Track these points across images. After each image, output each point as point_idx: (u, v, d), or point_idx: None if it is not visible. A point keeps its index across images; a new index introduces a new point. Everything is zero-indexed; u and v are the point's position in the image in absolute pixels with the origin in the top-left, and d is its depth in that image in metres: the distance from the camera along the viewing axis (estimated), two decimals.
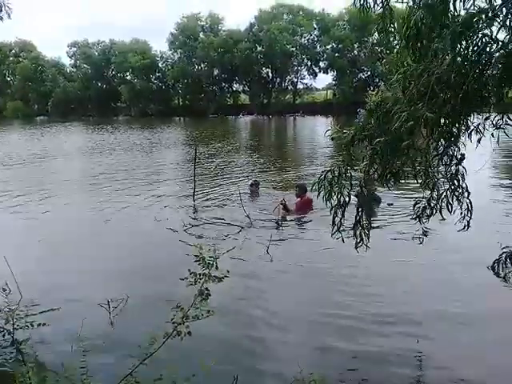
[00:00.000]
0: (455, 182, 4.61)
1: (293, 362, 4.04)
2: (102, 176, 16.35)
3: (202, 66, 67.09)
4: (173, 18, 71.44)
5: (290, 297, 6.25)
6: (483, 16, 3.65)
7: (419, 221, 5.03)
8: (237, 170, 17.47)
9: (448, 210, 4.79)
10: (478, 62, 3.86)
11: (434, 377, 4.48)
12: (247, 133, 41.51)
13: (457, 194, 4.67)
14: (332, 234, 4.92)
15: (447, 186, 4.70)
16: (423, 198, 4.89)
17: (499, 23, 3.61)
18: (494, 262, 6.62)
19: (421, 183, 4.70)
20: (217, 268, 3.05)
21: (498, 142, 4.22)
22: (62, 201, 12.38)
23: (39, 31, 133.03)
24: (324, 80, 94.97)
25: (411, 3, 4.15)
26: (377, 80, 54.96)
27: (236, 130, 43.39)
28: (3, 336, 4.09)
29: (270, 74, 65.90)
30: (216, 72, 67.09)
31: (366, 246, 4.92)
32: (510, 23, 3.62)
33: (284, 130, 45.17)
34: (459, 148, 4.60)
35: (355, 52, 60.31)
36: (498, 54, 3.81)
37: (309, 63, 63.69)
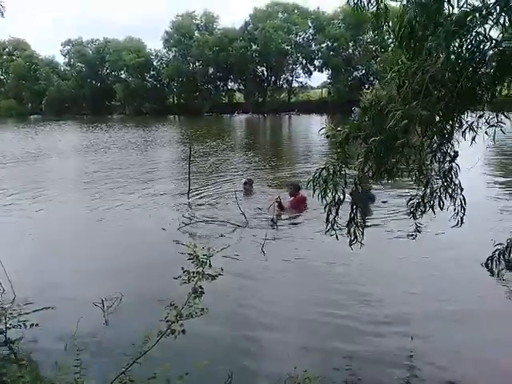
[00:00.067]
0: (448, 179, 4.64)
1: (287, 360, 4.05)
2: (97, 174, 16.30)
3: (197, 64, 66.88)
4: (167, 16, 71.51)
5: (284, 295, 6.25)
6: (477, 14, 3.66)
7: (413, 217, 5.07)
8: (232, 168, 17.45)
9: (440, 206, 4.83)
10: (471, 60, 3.87)
11: (428, 375, 4.47)
12: (242, 131, 41.46)
13: (450, 190, 4.70)
14: (326, 232, 4.93)
15: (440, 183, 4.74)
16: (417, 194, 4.93)
17: (492, 21, 3.63)
18: (487, 259, 6.66)
19: (415, 180, 4.72)
20: (210, 266, 3.04)
21: (493, 139, 4.23)
22: (56, 199, 12.34)
23: (32, 30, 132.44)
24: (319, 78, 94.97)
25: (405, 1, 4.16)
26: (371, 78, 55.00)
27: (231, 129, 43.34)
28: None
29: (265, 73, 65.79)
30: (211, 70, 66.91)
31: (361, 243, 4.93)
32: (503, 21, 3.63)
33: (279, 128, 45.14)
34: (453, 145, 4.63)
35: (350, 50, 60.30)
36: (491, 51, 3.83)
37: (304, 62, 63.60)
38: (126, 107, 69.38)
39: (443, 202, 4.87)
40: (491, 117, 4.37)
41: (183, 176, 14.11)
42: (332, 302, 5.90)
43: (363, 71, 59.26)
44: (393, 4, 4.43)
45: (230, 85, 69.10)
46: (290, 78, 65.51)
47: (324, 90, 65.46)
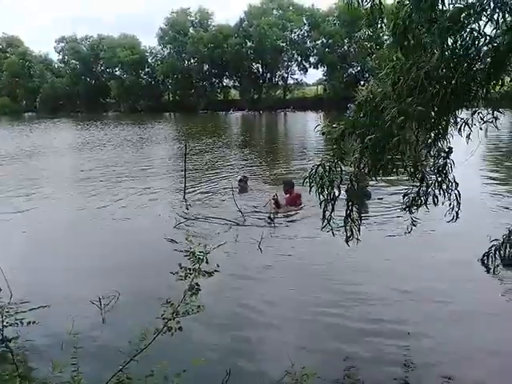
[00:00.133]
0: (442, 174, 4.67)
1: (284, 357, 4.05)
2: (92, 172, 16.25)
3: (192, 61, 66.79)
4: (162, 13, 71.22)
5: (281, 293, 6.24)
6: (471, 10, 3.67)
7: (409, 211, 5.10)
8: (227, 165, 17.45)
9: (433, 202, 4.86)
10: (466, 57, 3.88)
11: (426, 375, 4.46)
12: (238, 128, 41.43)
13: (444, 186, 4.73)
14: (322, 228, 4.95)
15: (435, 179, 4.77)
16: (412, 189, 4.96)
17: (487, 17, 3.64)
18: (483, 255, 6.69)
19: (410, 176, 4.74)
20: (207, 263, 3.05)
21: (485, 134, 4.25)
22: (52, 197, 12.30)
23: (26, 27, 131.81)
24: (314, 75, 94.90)
25: None
26: (367, 75, 55.03)
27: (227, 126, 43.29)
28: None
29: (261, 70, 65.77)
30: (206, 67, 66.82)
31: (357, 239, 4.95)
32: (497, 17, 3.64)
33: (275, 125, 45.12)
34: (449, 141, 4.65)
35: (345, 47, 60.36)
36: (486, 48, 3.84)
37: (299, 58, 63.63)
38: (121, 104, 69.22)
39: (437, 198, 4.90)
40: (486, 113, 4.40)
41: (179, 173, 14.09)
42: (329, 301, 5.89)
43: (358, 68, 59.34)
44: (388, 1, 4.43)
45: (226, 82, 69.14)
46: (286, 75, 65.59)
47: (319, 86, 65.54)
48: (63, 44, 73.83)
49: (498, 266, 6.61)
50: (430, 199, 4.96)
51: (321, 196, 4.72)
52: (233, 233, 8.62)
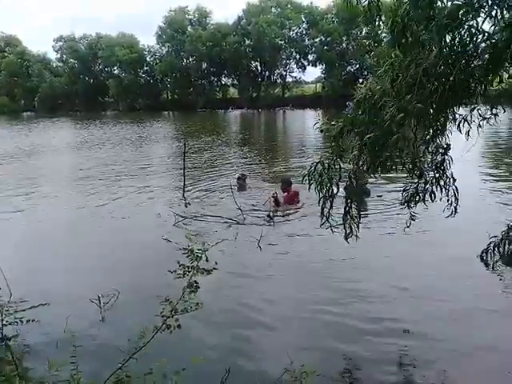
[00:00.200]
0: (440, 171, 4.68)
1: (284, 356, 4.05)
2: (91, 171, 16.23)
3: (191, 59, 66.65)
4: (162, 12, 71.04)
5: (280, 292, 6.24)
6: (469, 7, 3.67)
7: (407, 206, 5.12)
8: (227, 163, 17.44)
9: (431, 198, 4.87)
10: (464, 53, 3.88)
11: (425, 373, 4.44)
12: (237, 126, 41.40)
13: (442, 182, 4.74)
14: (321, 225, 4.95)
15: (432, 175, 4.78)
16: (411, 185, 4.97)
17: (485, 13, 3.64)
18: (482, 252, 6.70)
19: (408, 172, 4.76)
20: (207, 260, 3.04)
21: (478, 130, 4.26)
22: (51, 196, 12.30)
23: (26, 26, 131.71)
24: (313, 73, 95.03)
25: None
26: (365, 73, 54.99)
27: (225, 124, 43.26)
28: None
29: (259, 68, 65.67)
30: (204, 66, 66.70)
31: (356, 236, 4.96)
32: (495, 14, 3.64)
33: (273, 123, 45.10)
34: (448, 137, 4.66)
35: (344, 45, 60.28)
36: (484, 44, 3.84)
37: (297, 56, 63.53)
38: (120, 103, 69.11)
39: (435, 194, 4.92)
40: (484, 109, 4.40)
41: (178, 171, 14.09)
42: (328, 299, 5.90)
43: (357, 66, 59.28)
44: None
45: (224, 80, 69.00)
46: (284, 73, 65.47)
47: (318, 84, 65.43)
48: (61, 43, 73.62)
49: (496, 262, 6.62)
50: (428, 195, 4.97)
51: (320, 193, 4.73)
52: (232, 231, 8.62)
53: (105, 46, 68.79)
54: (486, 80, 4.09)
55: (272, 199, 9.85)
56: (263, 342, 5.06)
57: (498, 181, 12.28)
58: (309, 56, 62.72)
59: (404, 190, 5.15)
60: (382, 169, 4.63)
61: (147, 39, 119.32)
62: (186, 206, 10.64)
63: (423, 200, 5.01)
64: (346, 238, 5.03)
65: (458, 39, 3.90)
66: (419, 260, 7.00)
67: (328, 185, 4.71)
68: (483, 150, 17.38)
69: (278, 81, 66.01)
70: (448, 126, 4.54)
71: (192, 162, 16.63)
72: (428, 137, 4.62)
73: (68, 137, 31.44)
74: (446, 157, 4.77)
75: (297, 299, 5.99)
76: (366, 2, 4.35)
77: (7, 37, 75.71)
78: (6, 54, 74.02)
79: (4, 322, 3.77)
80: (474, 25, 3.79)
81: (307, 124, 35.03)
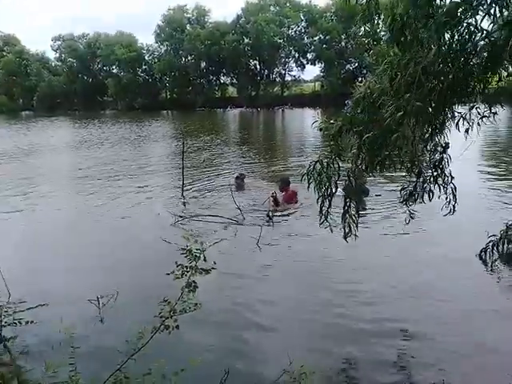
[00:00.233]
0: (439, 169, 4.68)
1: (283, 355, 4.04)
2: (90, 170, 16.21)
3: (189, 58, 66.48)
4: (161, 12, 70.97)
5: (279, 292, 6.23)
6: (468, 5, 3.66)
7: (405, 204, 5.12)
8: (225, 162, 17.42)
9: (429, 197, 4.87)
10: (463, 51, 3.87)
11: (425, 375, 4.41)
12: (236, 125, 41.38)
13: (440, 180, 4.74)
14: (320, 224, 4.94)
15: (431, 173, 4.78)
16: (410, 183, 4.97)
17: (483, 11, 3.63)
18: (481, 251, 6.69)
19: (407, 170, 4.75)
20: (205, 260, 3.03)
21: (473, 127, 4.25)
22: (50, 195, 12.28)
23: (26, 26, 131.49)
24: (312, 72, 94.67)
25: None
26: (364, 71, 54.88)
27: (224, 123, 43.23)
28: None
29: (258, 66, 65.54)
30: (203, 64, 66.55)
31: (355, 235, 4.95)
32: (494, 11, 3.63)
33: (272, 122, 45.07)
34: (446, 136, 4.65)
35: (342, 43, 60.20)
36: (482, 42, 3.83)
37: (296, 55, 63.39)
38: (118, 102, 68.94)
39: (433, 193, 4.92)
40: (483, 108, 4.40)
41: (177, 171, 14.07)
42: (327, 300, 5.88)
43: (356, 64, 59.17)
44: None
45: (223, 79, 68.82)
46: (283, 72, 65.32)
47: (317, 83, 65.30)
48: (60, 42, 73.46)
49: (495, 261, 6.62)
50: (427, 194, 4.98)
51: (319, 192, 4.72)
52: (231, 230, 8.61)
53: (103, 45, 68.60)
54: (485, 78, 4.08)
55: (271, 199, 9.85)
56: (262, 342, 5.05)
57: (497, 180, 12.28)
58: (308, 54, 62.60)
59: (402, 189, 5.15)
60: (380, 167, 4.62)
61: (146, 38, 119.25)
62: (185, 206, 10.62)
63: (421, 198, 5.02)
64: (345, 238, 5.03)
65: (456, 37, 3.89)
66: (418, 259, 6.99)
67: (327, 184, 4.70)
68: (483, 148, 17.39)
69: (277, 79, 65.89)
70: (447, 124, 4.54)
71: (191, 162, 16.61)
72: (427, 135, 4.61)
73: (67, 136, 31.39)
74: (445, 155, 4.76)
75: (296, 300, 5.98)
76: (364, 0, 4.33)
77: (6, 36, 75.47)
78: (4, 53, 73.80)
79: (3, 323, 3.76)
80: (473, 23, 3.78)
81: (306, 123, 34.98)
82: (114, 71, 71.09)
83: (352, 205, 4.97)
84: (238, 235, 8.35)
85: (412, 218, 5.44)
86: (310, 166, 4.71)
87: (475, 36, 3.80)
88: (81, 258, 7.63)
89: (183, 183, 11.80)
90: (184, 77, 65.86)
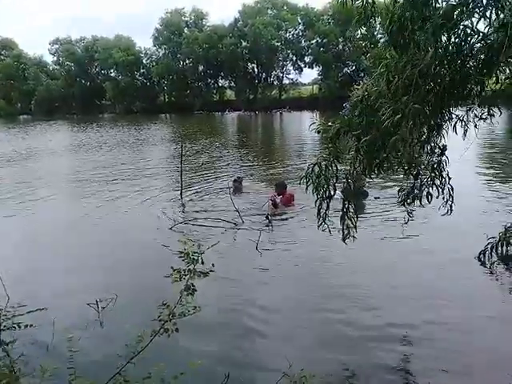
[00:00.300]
0: (436, 172, 4.70)
1: (282, 359, 4.04)
2: (89, 174, 16.21)
3: (187, 61, 66.63)
4: (162, 12, 71.01)
5: (279, 296, 6.21)
6: (464, 7, 3.68)
7: (403, 205, 5.14)
8: (224, 165, 17.43)
9: (427, 199, 4.88)
10: (459, 54, 3.89)
11: (426, 380, 4.41)
12: (234, 129, 41.41)
13: (438, 182, 4.76)
14: (318, 226, 4.95)
15: (429, 175, 4.80)
16: (407, 184, 4.99)
17: (479, 14, 3.65)
18: (479, 253, 6.70)
19: (405, 171, 4.77)
20: (202, 263, 3.03)
21: (475, 131, 4.27)
22: (48, 199, 12.26)
23: (26, 26, 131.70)
24: (309, 75, 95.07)
25: None
26: (362, 74, 55.02)
27: (223, 126, 43.27)
28: None
29: (256, 70, 65.69)
30: (201, 68, 66.67)
31: (353, 237, 4.95)
32: (490, 14, 3.65)
33: (270, 125, 45.11)
34: (444, 138, 4.67)
35: (340, 46, 60.37)
36: (479, 45, 3.85)
37: (294, 58, 63.58)
38: (117, 106, 69.06)
39: (431, 196, 4.93)
40: (481, 110, 4.42)
41: (176, 174, 14.08)
42: (327, 303, 5.86)
43: (353, 67, 59.31)
44: None
45: (221, 82, 68.99)
46: (281, 75, 65.55)
47: (315, 86, 65.45)
48: (57, 46, 73.57)
49: (494, 263, 6.62)
50: (425, 196, 4.99)
51: (317, 195, 4.73)
52: (230, 234, 8.61)
53: (101, 49, 68.69)
54: (482, 81, 4.10)
55: (270, 202, 9.88)
56: (262, 346, 5.04)
57: (496, 182, 12.30)
58: (305, 58, 62.78)
59: (400, 190, 5.17)
60: (378, 170, 4.64)
61: (146, 41, 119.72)
62: (184, 209, 10.62)
63: (420, 199, 5.03)
64: (344, 240, 5.03)
65: (453, 40, 3.91)
66: (417, 262, 6.99)
67: (325, 186, 4.71)
68: (481, 150, 17.44)
69: (275, 83, 66.07)
70: (444, 126, 4.56)
71: (189, 165, 16.62)
72: (424, 136, 4.63)
73: (65, 140, 31.39)
74: (443, 157, 4.78)
75: (296, 303, 5.97)
76: (360, 3, 4.35)
77: (3, 40, 75.52)
78: (2, 57, 73.87)
79: (2, 328, 3.75)
80: (469, 25, 3.80)
81: (304, 126, 35.04)
82: (112, 75, 71.22)
83: (350, 207, 4.98)
84: (237, 238, 8.35)
85: (410, 217, 5.44)
86: (308, 168, 4.72)
87: (471, 38, 3.82)
88: (80, 261, 7.62)
89: (182, 186, 11.80)
90: (182, 80, 65.97)
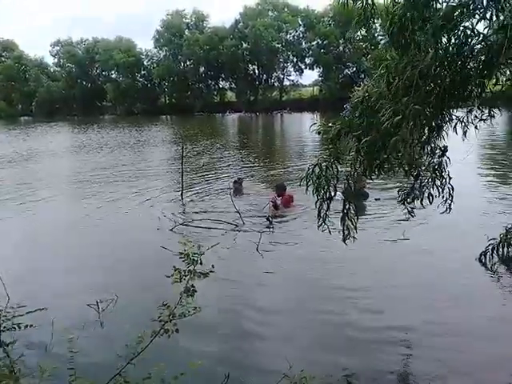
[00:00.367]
0: (437, 173, 4.70)
1: (282, 360, 4.04)
2: (90, 175, 16.22)
3: (188, 63, 66.64)
4: (162, 13, 70.84)
5: (279, 297, 6.22)
6: (464, 9, 3.68)
7: (403, 204, 5.15)
8: (225, 167, 17.44)
9: (428, 200, 4.88)
10: (459, 55, 3.89)
11: (422, 378, 4.39)
12: (234, 130, 41.43)
13: (438, 182, 4.77)
14: (318, 227, 4.94)
15: (429, 176, 4.80)
16: (408, 184, 5.00)
17: (479, 15, 3.65)
18: (480, 254, 6.70)
19: (405, 172, 4.77)
20: (201, 264, 3.03)
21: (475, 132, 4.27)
22: (49, 199, 12.27)
23: (26, 27, 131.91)
24: (310, 76, 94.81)
25: None
26: (362, 76, 55.02)
27: (223, 128, 43.30)
28: None
29: (257, 71, 65.70)
30: (202, 69, 66.69)
31: (353, 237, 4.95)
32: (490, 15, 3.65)
33: (271, 126, 45.13)
34: (445, 139, 4.67)
35: (340, 48, 60.39)
36: (479, 46, 3.86)
37: (295, 60, 63.58)
38: (117, 107, 69.05)
39: (433, 196, 4.94)
40: (481, 112, 4.42)
41: (176, 175, 14.08)
42: (327, 305, 5.85)
43: (354, 69, 59.31)
44: (380, 0, 4.44)
45: (222, 83, 69.00)
46: (282, 76, 65.53)
47: (315, 87, 65.45)
48: (58, 47, 73.62)
49: (495, 264, 6.62)
50: (426, 197, 5.00)
51: (318, 196, 4.73)
52: (230, 235, 8.61)
53: (102, 50, 68.71)
54: (482, 82, 4.10)
55: (271, 204, 9.89)
56: (262, 347, 5.04)
57: (497, 183, 12.30)
58: (306, 59, 62.78)
59: (400, 189, 5.18)
60: (379, 171, 4.64)
61: (146, 42, 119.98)
62: (184, 210, 10.63)
63: (421, 200, 5.04)
64: (344, 241, 5.03)
65: (453, 41, 3.91)
66: (417, 262, 6.98)
67: (325, 187, 4.71)
68: (482, 151, 17.44)
69: (276, 84, 66.07)
70: (445, 127, 4.56)
71: (190, 166, 16.63)
72: (424, 138, 4.64)
73: (66, 141, 31.42)
74: (444, 158, 4.78)
75: (296, 304, 5.97)
76: (360, 4, 4.36)
77: (4, 41, 75.60)
78: (3, 59, 73.93)
79: (2, 328, 3.75)
80: (469, 26, 3.81)
81: (305, 127, 35.04)
82: (113, 76, 71.24)
83: (351, 208, 4.98)
84: (238, 240, 8.35)
85: (411, 215, 5.43)
86: (308, 169, 4.73)
87: (472, 40, 3.82)
88: (80, 261, 7.62)
89: (182, 187, 11.81)
90: (183, 82, 66.00)
